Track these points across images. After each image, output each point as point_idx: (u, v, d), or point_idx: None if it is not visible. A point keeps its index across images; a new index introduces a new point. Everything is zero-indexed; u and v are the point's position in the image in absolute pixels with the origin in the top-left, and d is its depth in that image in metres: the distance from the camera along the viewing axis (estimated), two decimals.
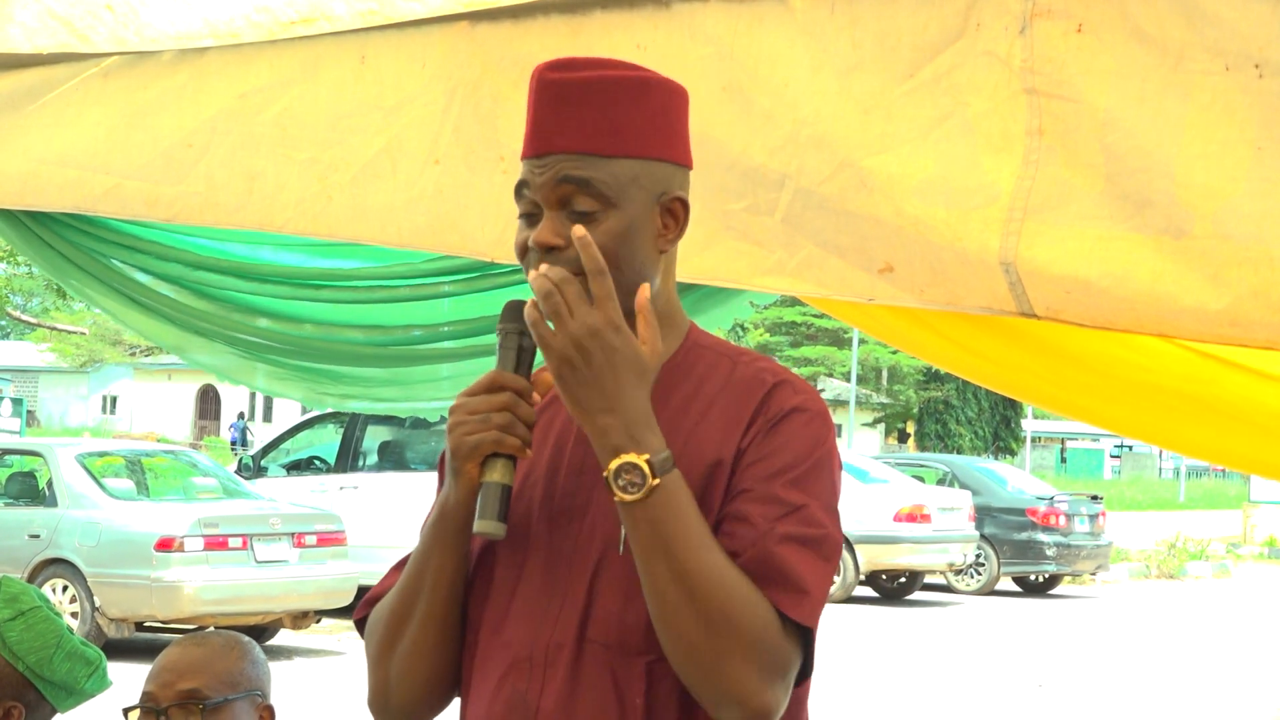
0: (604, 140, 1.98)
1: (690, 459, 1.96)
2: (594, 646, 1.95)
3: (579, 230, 1.91)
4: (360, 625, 2.15)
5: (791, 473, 1.95)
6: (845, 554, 18.98)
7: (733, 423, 1.99)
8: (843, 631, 16.24)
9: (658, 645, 1.91)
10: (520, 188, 2.02)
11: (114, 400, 62.11)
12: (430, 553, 2.03)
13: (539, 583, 2.00)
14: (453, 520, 2.00)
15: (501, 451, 1.95)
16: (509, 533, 2.01)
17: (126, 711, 2.62)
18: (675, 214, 2.03)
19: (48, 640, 2.82)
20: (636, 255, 2.00)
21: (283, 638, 14.06)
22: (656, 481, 1.88)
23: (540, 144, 2.00)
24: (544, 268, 1.92)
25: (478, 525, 1.96)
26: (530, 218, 2.01)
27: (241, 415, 46.30)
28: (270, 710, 2.64)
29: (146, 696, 2.60)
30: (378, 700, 2.09)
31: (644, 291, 1.94)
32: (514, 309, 2.01)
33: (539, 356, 1.98)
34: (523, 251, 2.02)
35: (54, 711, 2.84)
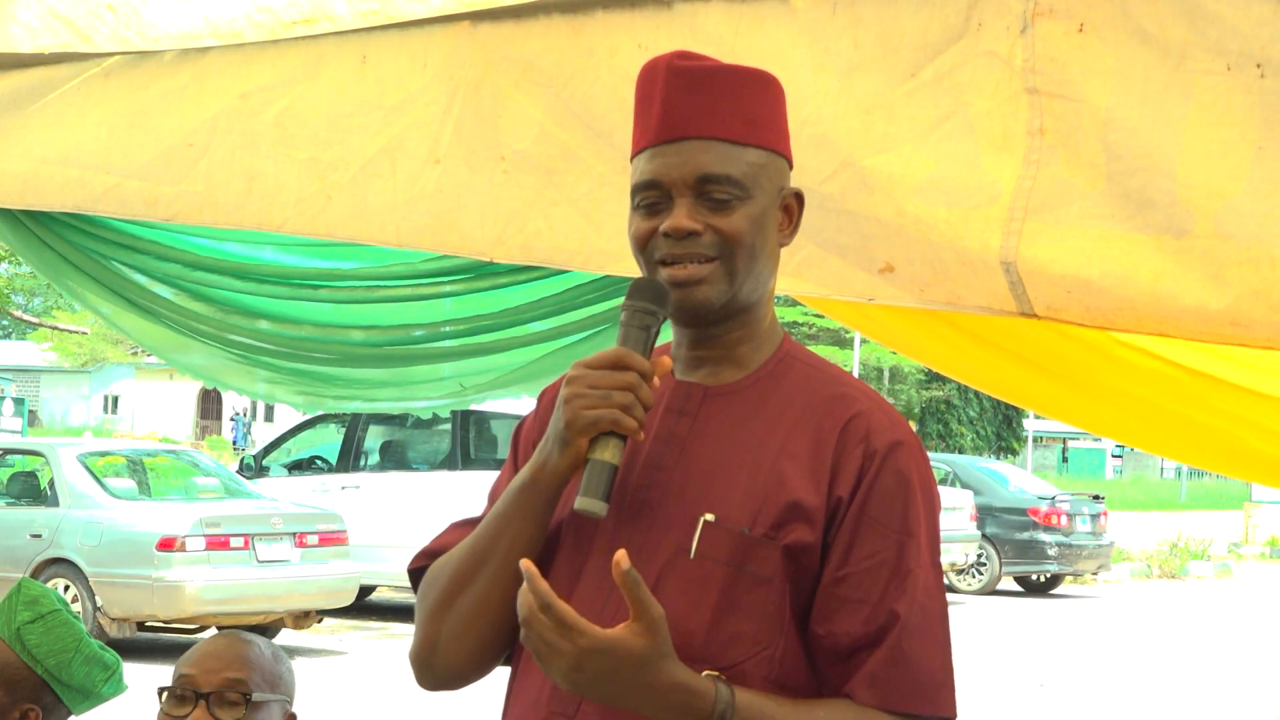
0: (740, 128, 1.98)
1: (770, 494, 1.95)
2: None
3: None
4: (414, 576, 2.13)
5: (904, 536, 1.95)
6: None
7: (818, 451, 1.97)
8: None
9: (715, 655, 1.90)
10: (646, 184, 1.99)
11: (115, 400, 62.08)
12: (512, 518, 2.01)
13: (600, 574, 1.97)
14: (546, 489, 1.99)
15: (617, 431, 1.93)
16: (577, 521, 2.00)
17: (161, 691, 2.60)
18: (791, 210, 2.04)
19: (67, 644, 2.81)
20: (767, 245, 2.01)
21: (284, 637, 14.05)
22: None
23: (673, 129, 1.98)
24: (525, 631, 1.86)
25: (580, 502, 1.93)
26: (653, 207, 1.99)
27: (245, 412, 46.22)
28: (294, 718, 2.64)
29: (185, 679, 2.57)
30: (422, 656, 2.07)
31: (621, 560, 1.82)
32: (646, 286, 1.99)
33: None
34: (644, 241, 2.00)
35: (69, 714, 2.84)
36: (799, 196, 2.05)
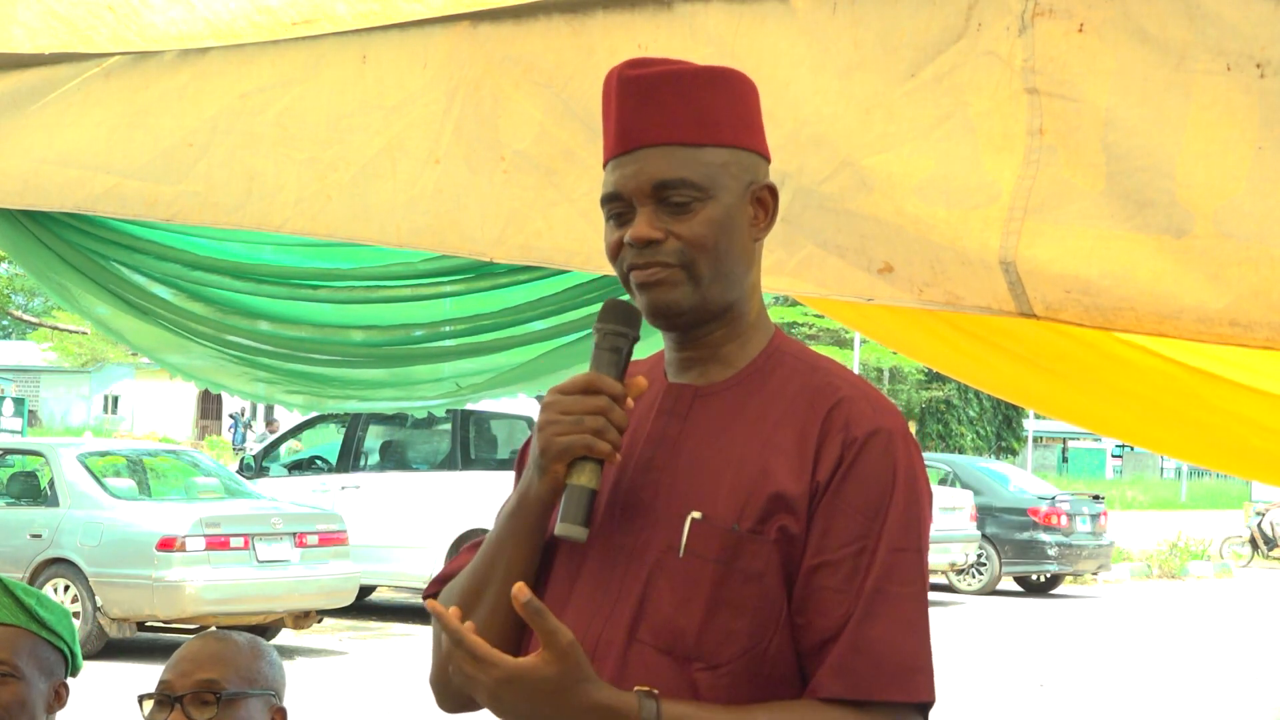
0: (693, 130, 1.98)
1: (755, 488, 1.95)
2: (643, 647, 1.94)
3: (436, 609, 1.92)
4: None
5: (875, 522, 1.94)
6: None
7: (802, 442, 1.96)
8: None
9: (708, 653, 1.91)
10: (610, 197, 2.01)
11: (115, 400, 62.05)
12: (504, 543, 2.03)
13: (595, 577, 1.99)
14: (531, 515, 2.01)
15: (591, 456, 1.95)
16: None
17: (142, 699, 2.61)
18: (765, 203, 2.03)
19: (64, 611, 2.89)
20: (735, 244, 2.00)
21: (284, 638, 14.05)
22: None
23: (628, 139, 2.00)
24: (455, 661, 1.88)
25: (560, 528, 1.95)
26: (620, 217, 2.01)
27: (244, 412, 46.19)
28: (283, 713, 2.64)
29: (163, 685, 2.59)
30: (439, 679, 2.10)
31: (520, 592, 1.84)
32: (615, 309, 2.01)
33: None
34: (615, 251, 2.02)
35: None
36: (772, 190, 2.04)
